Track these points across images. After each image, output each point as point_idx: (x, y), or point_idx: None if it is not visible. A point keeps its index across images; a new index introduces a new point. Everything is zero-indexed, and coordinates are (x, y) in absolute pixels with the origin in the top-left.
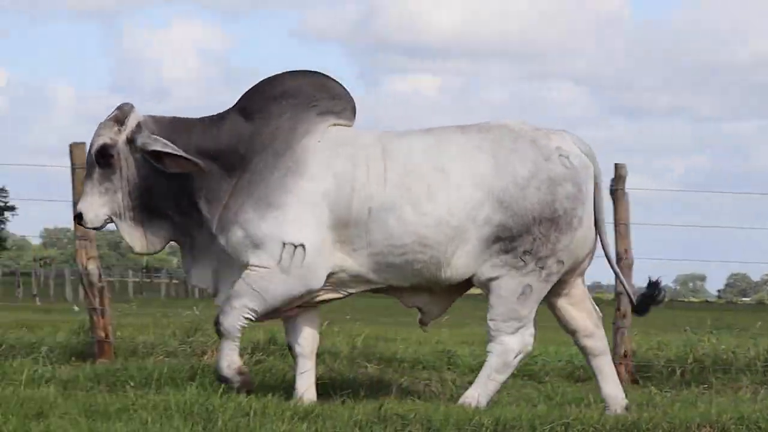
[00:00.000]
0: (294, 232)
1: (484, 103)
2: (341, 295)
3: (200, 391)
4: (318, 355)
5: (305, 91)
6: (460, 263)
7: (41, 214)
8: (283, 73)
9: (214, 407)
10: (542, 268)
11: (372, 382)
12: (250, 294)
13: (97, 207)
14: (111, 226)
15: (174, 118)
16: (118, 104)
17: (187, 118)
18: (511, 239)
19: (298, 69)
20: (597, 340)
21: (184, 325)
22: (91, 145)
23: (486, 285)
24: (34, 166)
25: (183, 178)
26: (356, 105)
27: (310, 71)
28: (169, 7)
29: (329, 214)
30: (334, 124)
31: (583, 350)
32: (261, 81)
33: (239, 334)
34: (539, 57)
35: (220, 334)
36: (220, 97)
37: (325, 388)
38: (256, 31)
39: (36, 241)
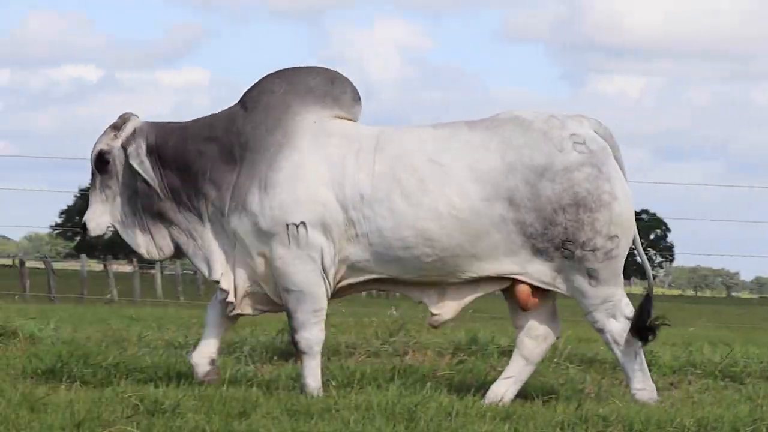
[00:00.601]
0: (292, 211)
1: (687, 103)
2: (344, 285)
3: (402, 391)
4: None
5: (300, 74)
6: (491, 257)
7: None
8: (286, 67)
9: (416, 407)
10: (593, 250)
11: (573, 383)
12: (297, 298)
13: (98, 215)
14: None
15: (171, 122)
16: (121, 113)
17: (185, 121)
18: (540, 235)
19: (300, 66)
20: (535, 346)
21: (387, 325)
22: (91, 153)
23: (556, 286)
24: None
25: (183, 170)
26: (358, 93)
27: (312, 66)
28: (372, 7)
29: (326, 192)
30: (337, 115)
31: (517, 344)
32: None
33: (318, 351)
34: (745, 57)
35: (299, 349)
36: (422, 97)
37: (525, 388)
38: (458, 30)
39: None
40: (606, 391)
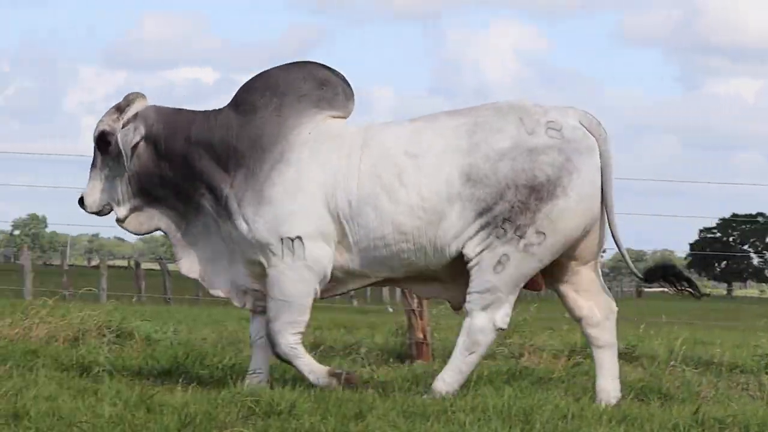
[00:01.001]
0: (288, 224)
1: None
2: (341, 291)
3: (517, 393)
4: (636, 358)
5: (292, 82)
6: (443, 243)
7: None
8: (273, 67)
9: (532, 409)
10: (521, 237)
11: (689, 386)
12: (280, 307)
13: (96, 192)
14: None
15: (177, 109)
16: (127, 93)
17: (190, 111)
18: (487, 210)
19: (289, 62)
20: (602, 331)
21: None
22: (94, 132)
23: (471, 259)
24: None
25: (185, 166)
26: (351, 88)
27: (300, 62)
28: (488, 9)
29: (320, 203)
30: (330, 116)
31: (587, 339)
32: (253, 76)
33: (300, 350)
34: None
35: (281, 359)
36: (538, 100)
37: (643, 391)
38: (574, 32)
39: None
40: (722, 394)
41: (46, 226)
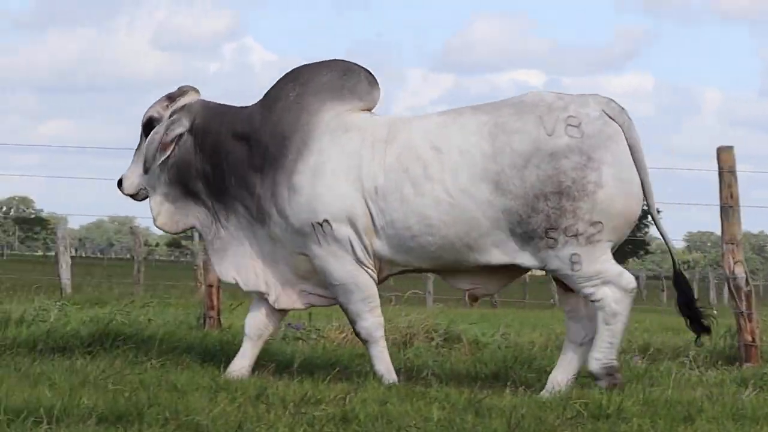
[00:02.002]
0: (316, 210)
1: None
2: (386, 276)
3: None
4: None
5: (313, 71)
6: (482, 247)
7: (684, 217)
8: (299, 65)
9: None
10: (575, 235)
11: None
12: (344, 291)
13: (135, 176)
14: None
15: (223, 105)
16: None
17: (230, 106)
18: (525, 223)
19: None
20: (582, 328)
21: None
22: (143, 116)
23: (544, 269)
24: (680, 169)
25: (216, 162)
26: (375, 78)
27: (328, 60)
28: None
29: (346, 186)
30: (354, 107)
31: (567, 330)
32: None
33: (379, 333)
34: None
35: (364, 341)
36: None
37: None
38: None
39: (679, 245)
40: None
41: None
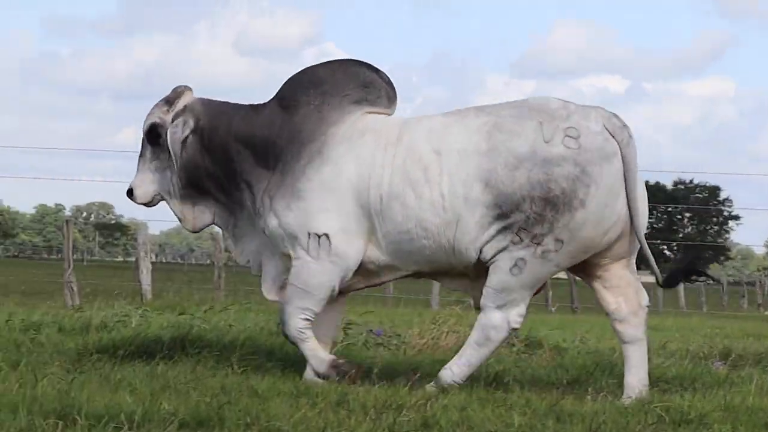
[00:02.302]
0: (317, 221)
1: None
2: (375, 283)
3: None
4: None
5: (336, 81)
6: (461, 246)
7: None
8: (318, 63)
9: None
10: (538, 244)
11: None
12: (297, 293)
13: (147, 184)
14: None
15: (223, 102)
16: (175, 87)
17: (235, 104)
18: (503, 217)
19: (334, 59)
20: (629, 327)
21: None
22: (144, 124)
23: (487, 259)
24: (760, 175)
25: (226, 160)
26: (395, 90)
27: (345, 60)
28: None
29: (353, 201)
30: (369, 112)
31: (616, 334)
32: (298, 71)
33: (308, 334)
34: None
35: (290, 341)
36: None
37: None
38: None
39: (760, 251)
40: None
41: None
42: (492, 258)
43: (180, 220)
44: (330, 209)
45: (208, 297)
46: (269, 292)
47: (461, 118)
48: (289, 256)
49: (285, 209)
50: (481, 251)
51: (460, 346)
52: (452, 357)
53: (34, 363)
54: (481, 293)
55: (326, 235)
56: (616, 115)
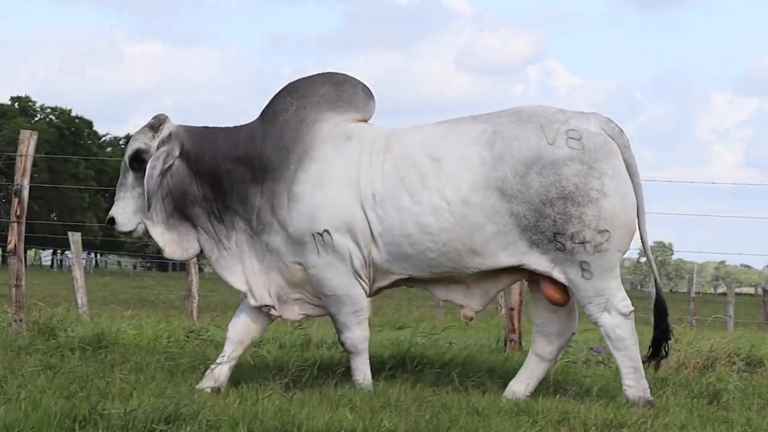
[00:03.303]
0: (316, 220)
1: None
2: (373, 290)
3: None
4: None
5: (310, 85)
6: (488, 251)
7: None
8: (297, 79)
9: None
10: (583, 242)
11: None
12: (334, 303)
13: (129, 212)
14: None
15: (204, 128)
16: (155, 114)
17: (215, 128)
18: (533, 227)
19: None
20: (547, 345)
21: None
22: (127, 150)
23: (552, 273)
24: None
25: (217, 183)
26: (370, 90)
27: (322, 73)
28: None
29: (346, 194)
30: (352, 118)
31: (532, 342)
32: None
33: (363, 346)
34: None
35: (345, 349)
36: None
37: None
38: None
39: None
40: None
41: (672, 254)
42: (552, 271)
43: (162, 248)
44: (324, 205)
45: (427, 314)
46: (285, 312)
47: (455, 126)
48: (299, 264)
49: (288, 218)
50: (524, 261)
51: (681, 364)
52: (673, 376)
53: (255, 380)
54: (477, 298)
55: (326, 231)
56: (612, 120)
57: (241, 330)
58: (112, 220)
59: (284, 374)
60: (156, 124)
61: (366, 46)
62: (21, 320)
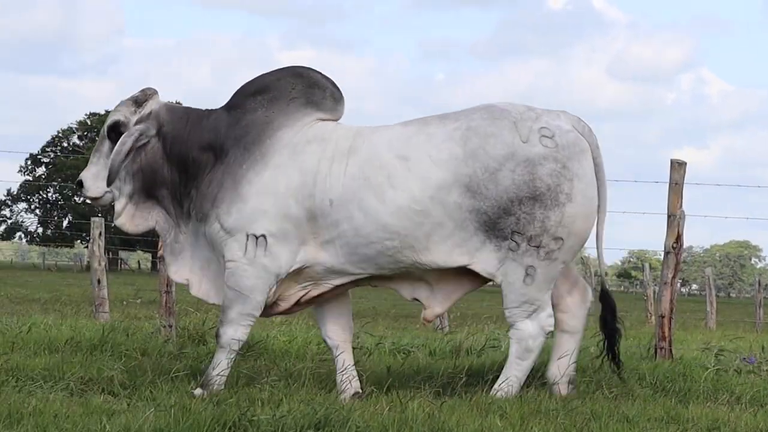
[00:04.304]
0: (256, 223)
1: None
2: (328, 289)
3: None
4: None
5: (281, 85)
6: (442, 249)
7: None
8: (267, 72)
9: None
10: (537, 247)
11: None
12: (235, 298)
13: (100, 179)
14: None
15: (187, 109)
16: (143, 88)
17: (196, 110)
18: (492, 223)
19: (280, 67)
20: (571, 318)
21: None
22: (107, 119)
23: (494, 276)
24: None
25: (184, 168)
26: (341, 92)
27: (291, 66)
28: None
29: (295, 205)
30: (320, 119)
31: (556, 322)
32: (246, 82)
33: (235, 346)
34: None
35: (219, 345)
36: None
37: None
38: None
39: None
40: None
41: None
42: (497, 271)
43: (115, 216)
44: (268, 211)
45: None
46: (207, 296)
47: (424, 127)
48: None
49: (226, 214)
50: (473, 259)
51: None
52: None
53: (404, 386)
54: (440, 299)
55: (263, 236)
56: (581, 119)
57: (334, 330)
58: (81, 184)
59: (434, 381)
60: (141, 99)
61: (517, 53)
62: (171, 326)
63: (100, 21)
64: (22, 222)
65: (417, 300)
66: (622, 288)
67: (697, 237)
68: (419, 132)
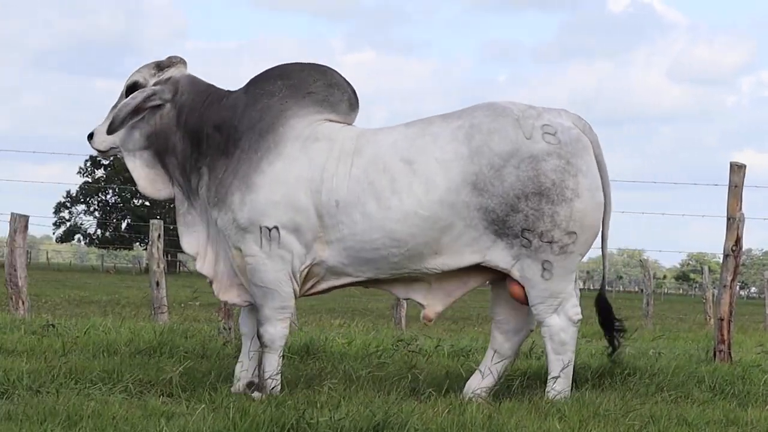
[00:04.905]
0: (268, 215)
1: None
2: (323, 289)
3: None
4: None
5: (303, 77)
6: (453, 250)
7: None
8: (293, 62)
9: None
10: (550, 242)
11: None
12: (264, 294)
13: (110, 135)
14: None
15: (211, 85)
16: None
17: (217, 88)
18: (501, 221)
19: (308, 62)
20: (506, 341)
21: None
22: (128, 78)
23: (511, 271)
24: None
25: (196, 142)
26: (358, 100)
27: (318, 64)
28: None
29: (304, 198)
30: (329, 120)
31: (491, 338)
32: (270, 67)
33: (281, 343)
34: None
35: (262, 343)
36: None
37: None
38: None
39: None
40: None
41: None
42: (512, 268)
43: (136, 180)
44: (279, 201)
45: (635, 324)
46: (223, 293)
47: (427, 127)
48: (239, 250)
49: (240, 203)
50: (485, 257)
51: None
52: None
53: (464, 388)
54: (439, 298)
55: (276, 227)
56: (581, 117)
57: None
58: (91, 135)
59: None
60: (164, 64)
61: (579, 55)
62: (230, 328)
63: (162, 24)
64: (81, 224)
65: (411, 299)
66: (681, 291)
67: (756, 240)
68: (423, 133)
